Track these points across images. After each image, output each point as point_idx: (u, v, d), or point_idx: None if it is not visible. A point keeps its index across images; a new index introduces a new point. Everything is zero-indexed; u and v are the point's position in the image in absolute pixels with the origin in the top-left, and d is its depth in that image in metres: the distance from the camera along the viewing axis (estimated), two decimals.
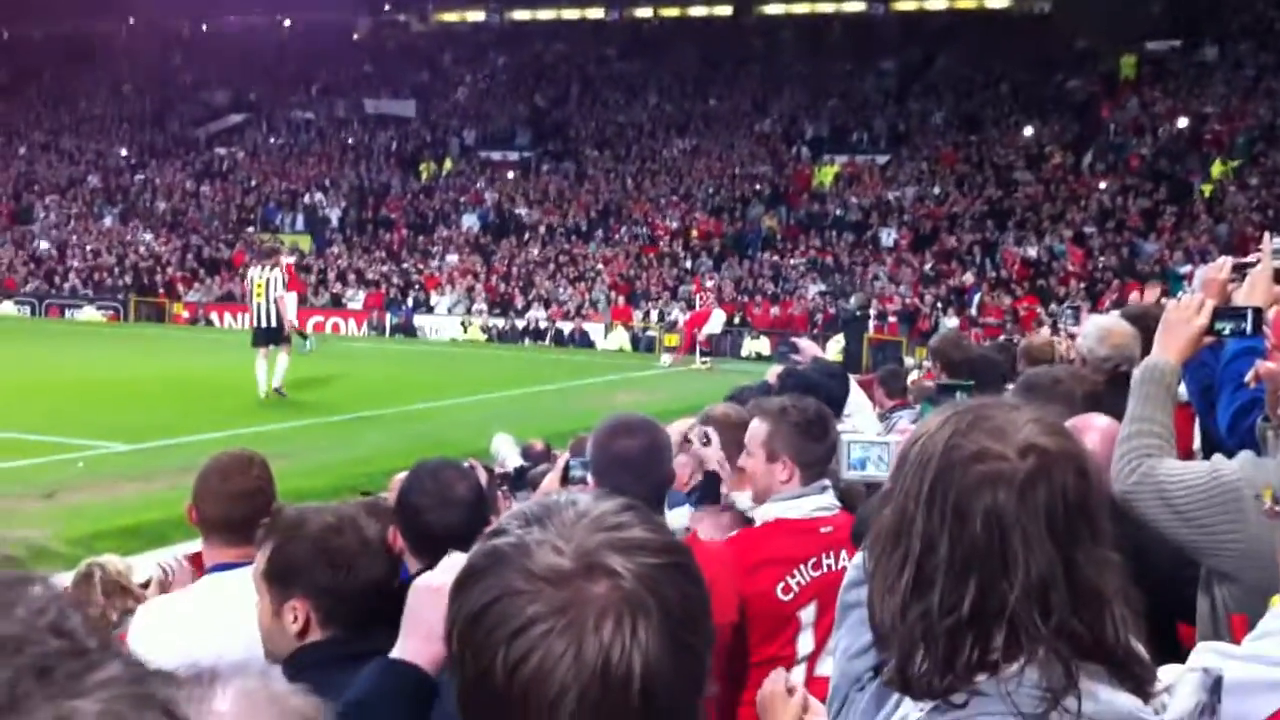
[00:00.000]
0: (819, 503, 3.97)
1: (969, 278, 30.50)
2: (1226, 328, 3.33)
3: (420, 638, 1.73)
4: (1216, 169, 32.36)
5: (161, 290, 37.05)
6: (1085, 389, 4.12)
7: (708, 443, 4.26)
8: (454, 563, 1.74)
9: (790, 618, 3.86)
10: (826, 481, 4.02)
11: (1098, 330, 5.20)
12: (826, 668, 3.86)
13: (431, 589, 1.76)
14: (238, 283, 31.71)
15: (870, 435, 4.29)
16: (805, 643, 3.87)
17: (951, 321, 26.86)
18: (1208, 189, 31.86)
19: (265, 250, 19.64)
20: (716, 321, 28.70)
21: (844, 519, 3.95)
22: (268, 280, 18.45)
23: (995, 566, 1.66)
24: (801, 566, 3.85)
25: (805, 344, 7.23)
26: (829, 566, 3.90)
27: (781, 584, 3.84)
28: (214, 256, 38.71)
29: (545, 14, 53.91)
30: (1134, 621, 1.72)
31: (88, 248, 40.31)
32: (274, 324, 18.36)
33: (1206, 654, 2.17)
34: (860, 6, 49.44)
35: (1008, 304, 28.50)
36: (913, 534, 1.72)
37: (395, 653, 1.82)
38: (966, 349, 7.64)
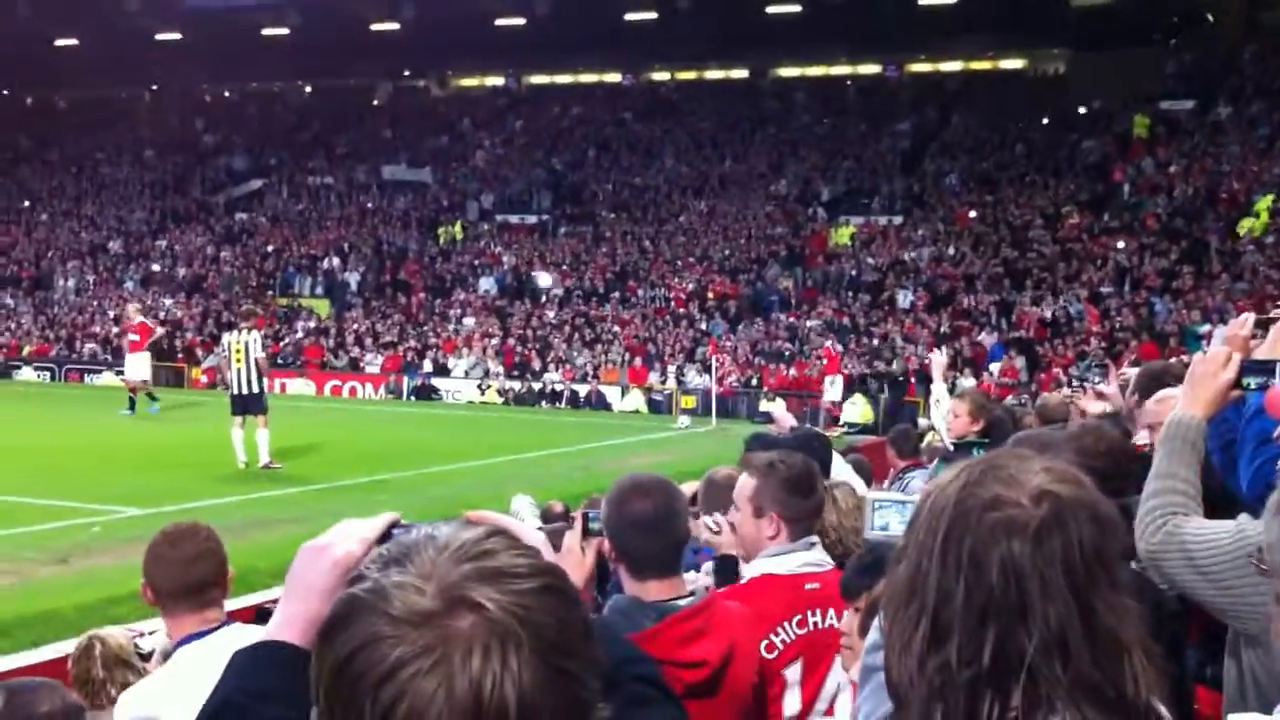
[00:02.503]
0: (806, 559, 3.95)
1: (986, 338, 30.40)
2: (1253, 382, 3.27)
3: (299, 598, 1.67)
4: (1262, 210, 32.39)
5: (180, 355, 37.19)
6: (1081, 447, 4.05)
7: (719, 532, 4.24)
8: (343, 528, 1.71)
9: (776, 676, 3.80)
10: (814, 538, 4.01)
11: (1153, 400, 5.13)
12: None
13: (316, 548, 1.69)
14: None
15: (895, 494, 4.26)
16: (792, 702, 3.81)
17: (969, 382, 26.69)
18: (1245, 226, 31.97)
19: (243, 313, 19.15)
20: (837, 386, 28.19)
21: (834, 575, 3.92)
22: (246, 344, 17.65)
23: (1013, 615, 1.64)
24: (786, 624, 3.81)
25: (779, 413, 7.17)
26: (815, 624, 3.87)
27: (766, 641, 3.78)
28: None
29: (563, 78, 54.52)
30: (1155, 677, 1.68)
31: (110, 313, 40.52)
32: (254, 390, 17.57)
33: None
34: (875, 69, 49.87)
35: (1023, 363, 28.41)
36: (928, 587, 1.70)
37: (272, 623, 1.72)
38: (992, 407, 7.61)
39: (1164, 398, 5.09)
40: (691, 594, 3.37)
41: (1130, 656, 1.66)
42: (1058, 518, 1.67)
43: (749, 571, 4.00)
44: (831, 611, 3.86)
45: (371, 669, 1.18)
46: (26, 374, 36.98)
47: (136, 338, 25.28)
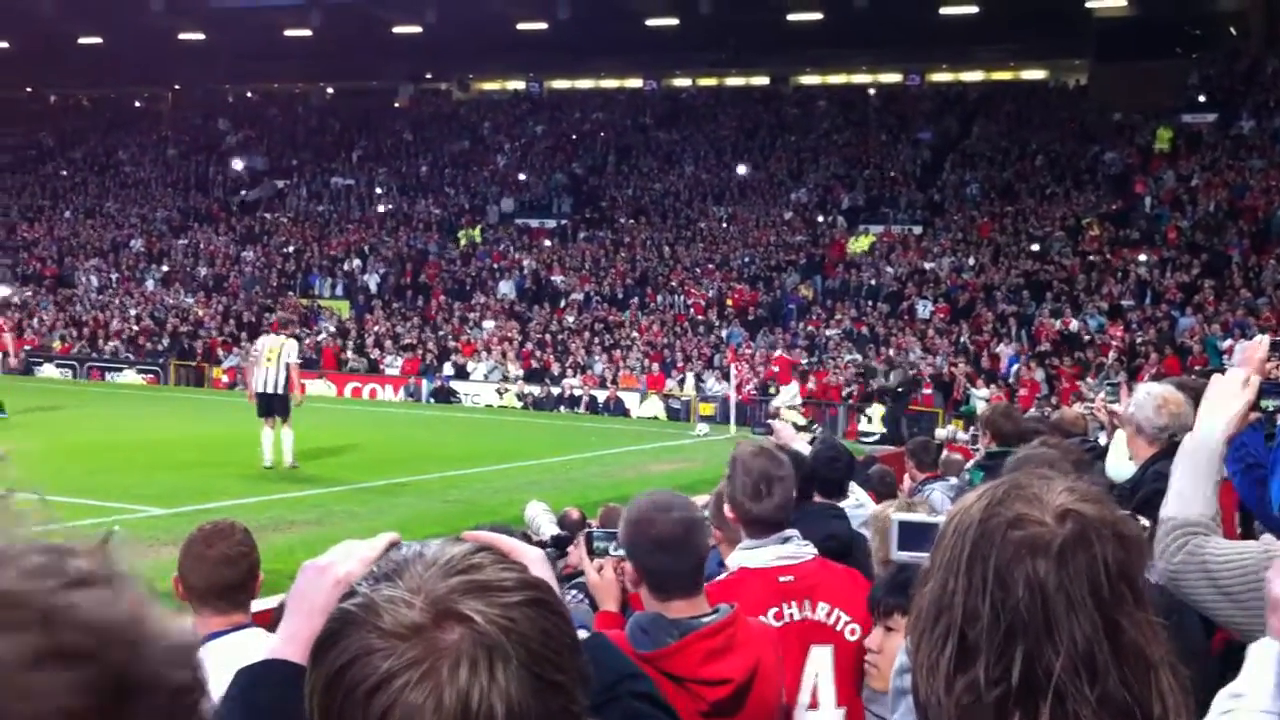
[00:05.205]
0: (780, 552, 3.99)
1: (1004, 349, 30.32)
2: (1272, 404, 3.28)
3: (301, 616, 1.69)
4: None
5: (200, 354, 37.36)
6: (1072, 459, 4.12)
7: None
8: (344, 547, 1.73)
9: None
10: (790, 531, 4.05)
11: (1152, 399, 5.12)
12: None
13: (318, 567, 1.72)
14: None
15: (920, 515, 4.30)
16: None
17: (983, 392, 26.64)
18: None
19: (284, 321, 19.48)
20: (789, 394, 28.00)
21: (811, 567, 3.99)
22: (283, 346, 17.99)
23: (1040, 633, 1.64)
24: (761, 618, 3.81)
25: (780, 427, 7.22)
26: (790, 616, 3.91)
27: None
28: (253, 321, 39.05)
29: (584, 83, 54.61)
30: (1182, 700, 1.68)
31: (130, 311, 40.74)
32: (278, 391, 17.76)
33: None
34: (896, 77, 49.83)
35: (1042, 376, 28.31)
36: (954, 605, 1.70)
37: (275, 641, 1.76)
38: (1017, 420, 7.61)
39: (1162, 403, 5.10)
40: (715, 611, 3.38)
41: (1157, 675, 1.65)
42: (1081, 536, 1.68)
43: (729, 565, 4.06)
44: (807, 603, 3.92)
45: (363, 681, 1.20)
46: (48, 371, 37.16)
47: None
